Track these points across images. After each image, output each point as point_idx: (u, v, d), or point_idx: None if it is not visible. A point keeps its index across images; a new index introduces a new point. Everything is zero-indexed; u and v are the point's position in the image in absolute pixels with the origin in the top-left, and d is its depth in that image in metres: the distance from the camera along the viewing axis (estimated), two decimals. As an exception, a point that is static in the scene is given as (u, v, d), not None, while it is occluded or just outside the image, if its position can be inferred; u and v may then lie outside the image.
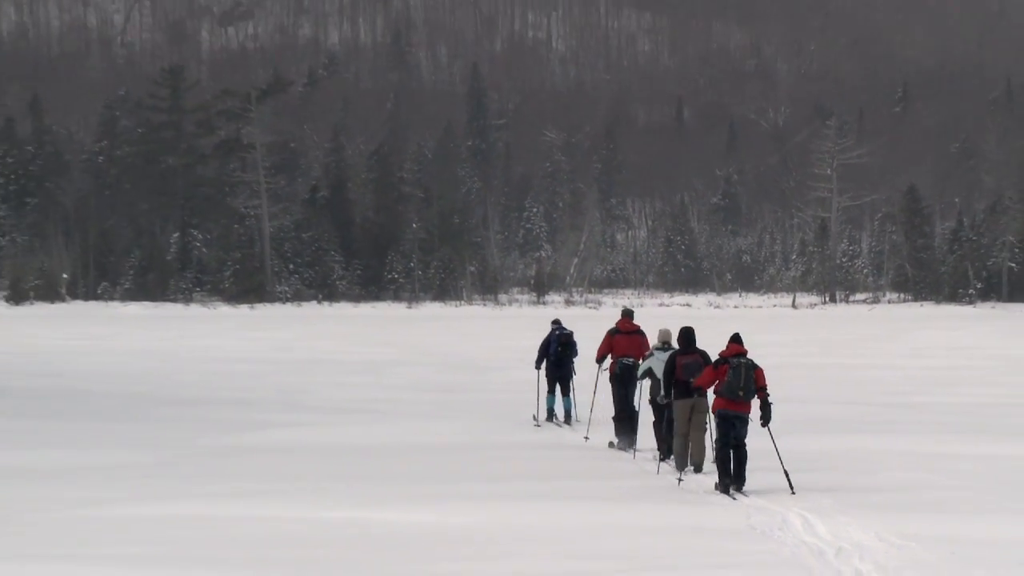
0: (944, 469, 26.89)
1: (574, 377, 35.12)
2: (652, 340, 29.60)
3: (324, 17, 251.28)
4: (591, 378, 33.57)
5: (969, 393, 45.25)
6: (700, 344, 26.71)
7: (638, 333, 31.45)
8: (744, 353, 24.72)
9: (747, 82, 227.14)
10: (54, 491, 23.71)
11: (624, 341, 31.32)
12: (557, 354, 34.94)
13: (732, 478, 24.40)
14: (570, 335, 35.19)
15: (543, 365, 35.37)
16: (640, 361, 29.75)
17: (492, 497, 23.07)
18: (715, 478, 25.00)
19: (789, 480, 24.33)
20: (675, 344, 27.98)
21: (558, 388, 35.26)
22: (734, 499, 23.96)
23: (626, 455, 29.97)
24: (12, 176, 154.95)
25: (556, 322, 36.23)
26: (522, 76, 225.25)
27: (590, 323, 35.93)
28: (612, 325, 32.00)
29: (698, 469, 26.34)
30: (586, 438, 31.87)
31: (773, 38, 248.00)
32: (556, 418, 35.26)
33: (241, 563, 17.51)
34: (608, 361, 31.41)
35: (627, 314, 32.33)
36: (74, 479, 25.35)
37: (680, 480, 25.57)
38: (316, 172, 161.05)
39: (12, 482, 24.81)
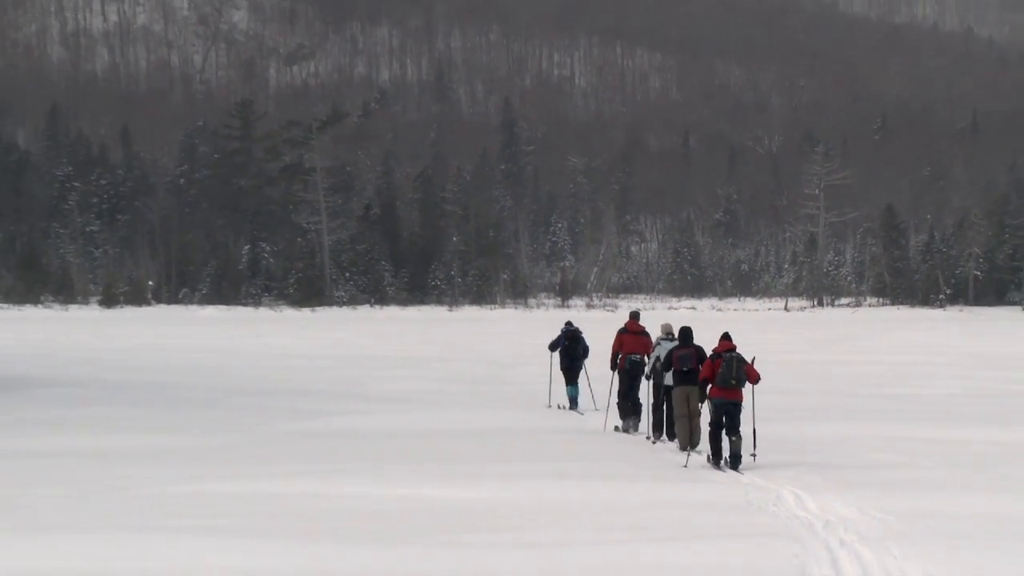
0: (918, 452, 26.88)
1: (583, 370, 35.56)
2: (656, 333, 29.91)
3: (376, 57, 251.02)
4: (602, 372, 33.76)
5: (940, 385, 45.18)
6: (705, 340, 27.01)
7: (644, 333, 31.64)
8: (733, 348, 25.25)
9: (745, 113, 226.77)
10: (144, 470, 23.81)
11: (632, 340, 31.55)
12: (565, 347, 35.73)
13: (727, 458, 24.85)
14: (576, 331, 36.04)
15: (556, 358, 36.22)
16: (646, 357, 30.11)
17: (516, 476, 23.16)
18: (708, 454, 25.61)
19: (754, 444, 25.19)
20: (670, 337, 28.69)
21: (576, 379, 35.69)
22: (724, 472, 24.54)
23: (631, 438, 30.27)
24: (105, 196, 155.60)
25: (568, 322, 37.00)
26: (548, 108, 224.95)
27: (607, 325, 35.95)
28: (621, 327, 32.04)
29: (694, 447, 26.55)
30: (616, 428, 31.59)
31: (767, 75, 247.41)
32: (571, 405, 35.63)
33: (306, 533, 17.61)
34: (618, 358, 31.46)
35: (634, 316, 32.59)
36: (161, 460, 25.43)
37: (688, 458, 25.81)
38: (369, 192, 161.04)
39: (108, 462, 24.91)
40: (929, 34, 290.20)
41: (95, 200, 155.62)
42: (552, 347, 36.72)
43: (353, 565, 15.64)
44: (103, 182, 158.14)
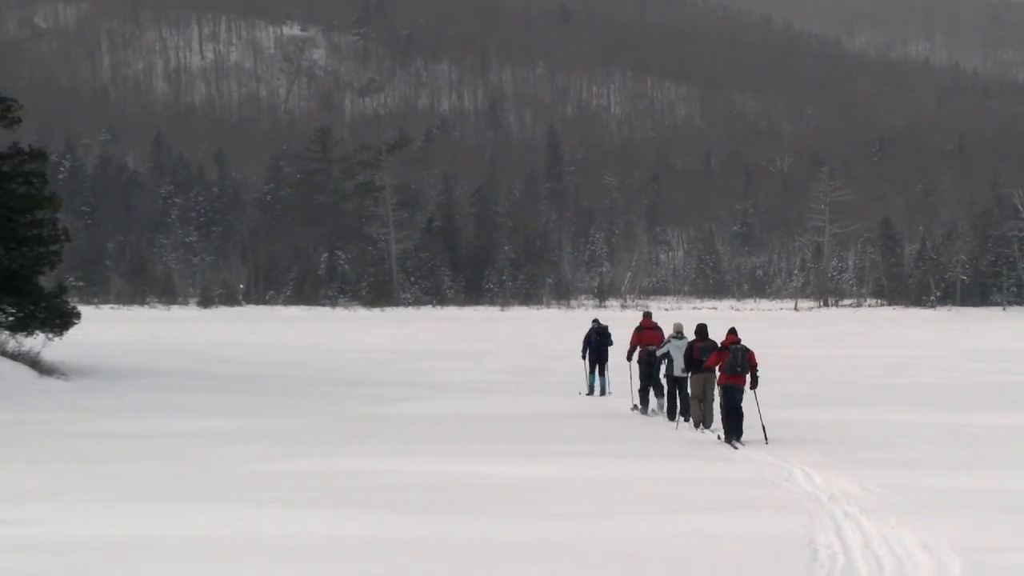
0: (912, 434, 26.76)
1: (608, 361, 35.80)
2: (668, 331, 30.71)
3: (437, 90, 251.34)
4: (619, 363, 34.38)
5: (931, 376, 45.03)
6: (736, 334, 27.10)
7: (656, 328, 32.34)
8: (738, 341, 26.13)
9: (759, 138, 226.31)
10: (234, 449, 23.83)
11: (647, 335, 32.15)
12: (596, 342, 35.86)
13: (733, 432, 25.73)
14: (605, 328, 36.25)
15: (587, 352, 36.16)
16: (658, 351, 30.69)
17: (559, 455, 23.15)
18: (719, 434, 26.40)
19: (765, 433, 25.64)
20: (687, 334, 29.29)
21: (597, 369, 36.08)
22: (735, 448, 25.15)
23: (657, 421, 30.31)
24: (202, 211, 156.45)
25: (595, 320, 37.22)
26: (587, 134, 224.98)
27: (636, 322, 36.30)
28: (637, 324, 32.68)
29: (707, 426, 27.56)
30: (634, 407, 32.33)
31: (779, 105, 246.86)
32: (595, 392, 35.95)
33: (374, 505, 17.59)
34: (637, 351, 32.07)
35: (647, 315, 33.44)
36: (249, 441, 25.45)
37: (702, 431, 27.33)
38: (431, 207, 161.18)
39: (202, 442, 24.93)
40: (921, 68, 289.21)
41: (193, 214, 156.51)
42: (584, 351, 36.48)
43: (414, 532, 15.62)
44: (200, 198, 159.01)
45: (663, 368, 30.64)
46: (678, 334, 29.86)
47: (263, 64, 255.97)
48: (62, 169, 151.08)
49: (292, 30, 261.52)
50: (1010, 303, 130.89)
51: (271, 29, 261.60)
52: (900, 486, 19.43)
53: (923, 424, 28.95)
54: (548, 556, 14.38)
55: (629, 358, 32.58)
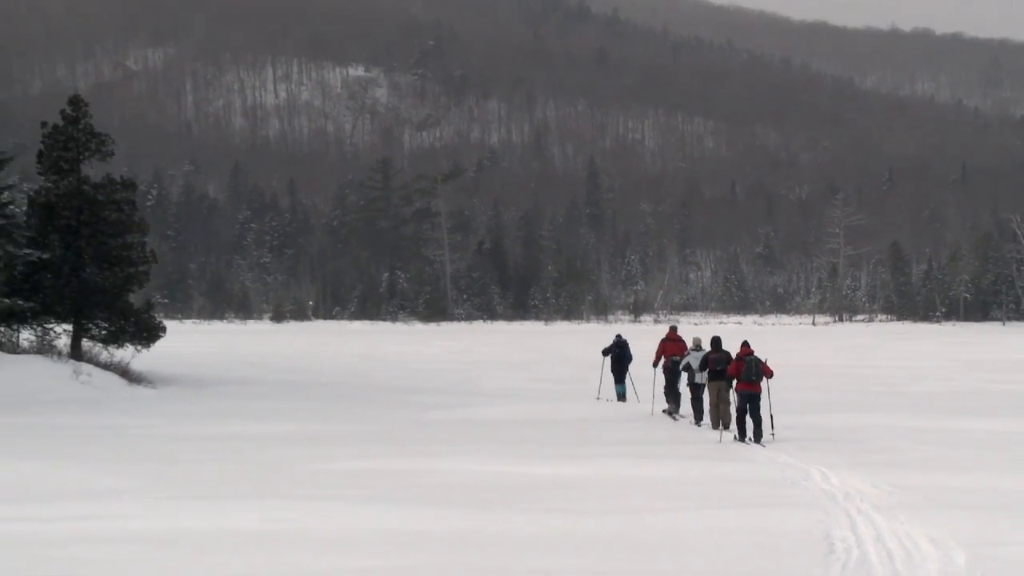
0: (919, 438, 26.63)
1: (629, 371, 36.28)
2: (689, 343, 31.73)
3: (488, 124, 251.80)
4: (645, 371, 34.93)
5: (935, 385, 44.82)
6: (749, 346, 27.33)
7: (680, 340, 33.07)
8: (751, 353, 26.83)
9: (780, 168, 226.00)
10: (303, 451, 23.88)
11: (671, 346, 32.85)
12: (616, 354, 36.39)
13: (750, 433, 26.40)
14: (625, 343, 36.63)
15: (608, 361, 36.89)
16: (681, 358, 31.51)
17: (596, 456, 23.15)
18: (735, 434, 26.96)
19: (772, 423, 26.87)
20: (704, 345, 30.10)
21: (623, 379, 36.57)
22: (748, 445, 25.91)
23: (682, 425, 30.54)
24: (275, 235, 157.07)
25: (617, 335, 37.47)
26: (624, 164, 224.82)
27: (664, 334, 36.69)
28: (664, 336, 33.57)
29: (725, 427, 28.14)
30: (657, 411, 32.87)
31: (797, 138, 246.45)
32: (619, 399, 36.35)
33: (434, 501, 17.60)
34: (662, 360, 32.90)
35: (673, 328, 34.13)
36: (317, 443, 25.50)
37: (720, 435, 27.49)
38: (482, 231, 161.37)
39: (275, 444, 25.01)
40: (926, 105, 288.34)
41: (267, 237, 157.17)
42: (605, 353, 37.16)
43: (468, 526, 15.65)
44: (274, 223, 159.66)
45: (684, 377, 31.38)
46: (697, 347, 30.85)
47: (330, 102, 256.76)
48: (150, 197, 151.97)
49: (357, 71, 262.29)
50: (1009, 319, 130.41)
51: (338, 70, 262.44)
52: (909, 485, 19.41)
53: (929, 428, 28.85)
54: (586, 549, 14.41)
55: (655, 365, 33.32)
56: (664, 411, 32.87)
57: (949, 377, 49.57)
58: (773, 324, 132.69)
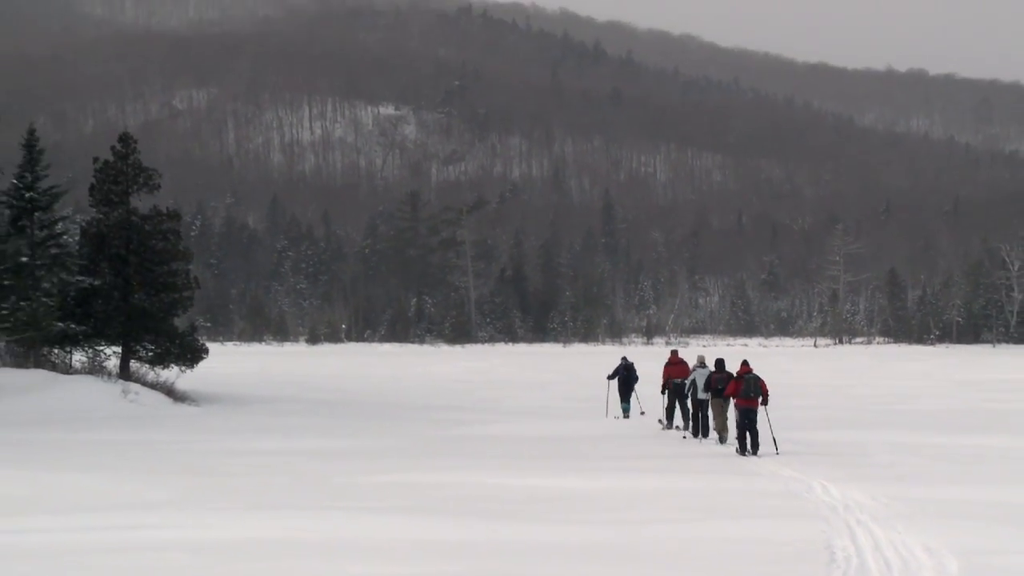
0: (914, 453, 26.61)
1: (635, 390, 37.03)
2: (692, 362, 32.55)
3: (509, 159, 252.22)
4: (653, 392, 36.44)
5: (930, 403, 44.65)
6: (748, 365, 27.66)
7: (682, 363, 33.98)
8: (750, 371, 27.53)
9: (783, 200, 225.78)
10: (335, 465, 23.92)
11: (675, 369, 33.73)
12: (623, 375, 37.30)
13: (748, 446, 26.91)
14: (631, 364, 37.86)
15: (616, 381, 37.61)
16: (686, 380, 32.11)
17: (607, 470, 23.22)
18: (736, 447, 27.23)
19: (775, 443, 27.04)
20: (708, 363, 31.03)
21: (629, 397, 37.16)
22: (746, 457, 26.45)
23: (685, 440, 30.60)
24: (311, 262, 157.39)
25: (624, 358, 39.07)
26: (637, 196, 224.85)
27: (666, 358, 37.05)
28: (667, 360, 34.42)
29: (724, 441, 29.19)
30: (660, 421, 33.95)
31: (800, 171, 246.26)
32: (624, 415, 36.68)
33: (457, 512, 17.65)
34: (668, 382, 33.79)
35: (674, 352, 35.13)
36: (350, 457, 25.56)
37: (726, 446, 28.54)
38: (504, 259, 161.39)
39: (312, 459, 25.06)
40: (921, 141, 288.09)
41: (303, 265, 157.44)
42: (610, 377, 38.13)
43: (489, 535, 15.71)
44: (309, 252, 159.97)
45: (690, 395, 31.82)
46: (701, 364, 31.56)
47: (362, 138, 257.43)
48: (193, 228, 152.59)
49: (387, 109, 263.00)
50: (999, 341, 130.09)
51: (369, 109, 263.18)
52: (905, 497, 19.43)
53: (924, 444, 28.75)
54: (599, 557, 14.44)
55: (663, 391, 33.83)
56: (659, 421, 34.19)
57: (943, 396, 49.40)
58: (777, 346, 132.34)
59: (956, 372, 72.93)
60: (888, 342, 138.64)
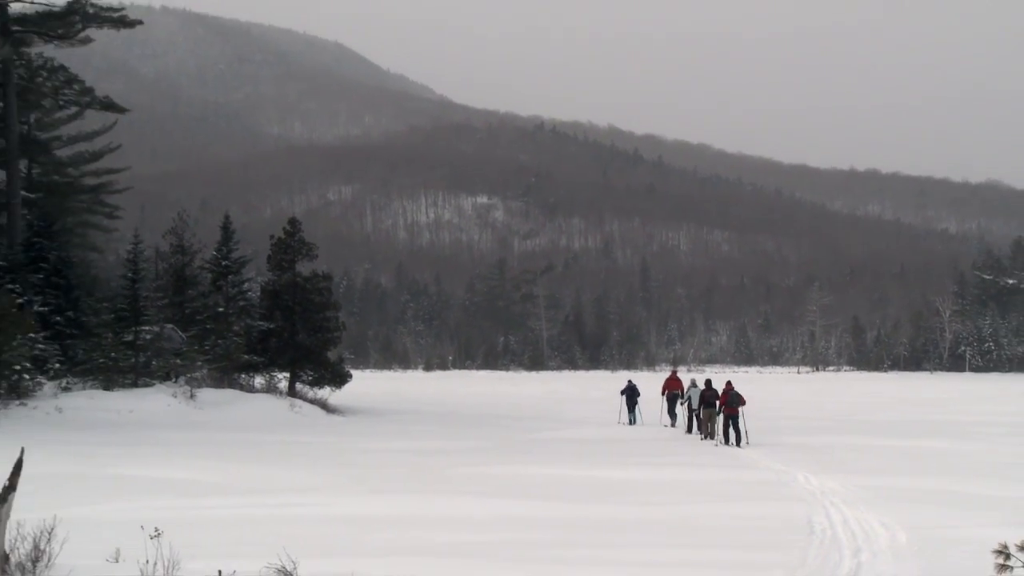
0: (874, 452, 26.29)
1: (638, 403, 37.83)
2: (687, 382, 35.91)
3: (571, 235, 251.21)
4: (655, 402, 38.32)
5: (884, 414, 43.95)
6: (750, 390, 27.82)
7: (678, 380, 36.92)
8: (733, 389, 29.24)
9: (774, 265, 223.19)
10: (444, 460, 23.97)
11: (672, 383, 36.61)
12: (630, 393, 38.06)
13: (731, 441, 28.52)
14: (635, 386, 38.89)
15: (624, 396, 38.32)
16: (680, 392, 35.62)
17: (641, 465, 23.04)
18: (719, 440, 27.45)
19: (747, 437, 29.02)
20: (699, 384, 33.29)
21: (633, 409, 37.75)
22: (729, 447, 28.09)
23: (694, 441, 30.43)
24: (426, 311, 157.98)
25: (629, 380, 40.31)
26: (666, 262, 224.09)
27: (668, 374, 36.86)
28: (668, 376, 37.68)
29: (711, 438, 30.07)
30: (665, 426, 34.95)
31: (786, 244, 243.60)
32: (632, 423, 36.92)
33: (535, 495, 17.66)
34: (666, 392, 36.43)
35: (673, 371, 38.49)
36: (456, 454, 25.58)
37: (716, 445, 29.00)
38: (567, 308, 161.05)
39: (428, 455, 25.13)
40: (876, 221, 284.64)
41: (420, 313, 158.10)
42: (622, 393, 38.94)
43: (562, 514, 15.69)
44: (425, 303, 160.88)
45: (686, 405, 34.07)
46: (693, 384, 34.12)
47: (464, 220, 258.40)
48: (341, 286, 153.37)
49: (482, 199, 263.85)
50: (935, 369, 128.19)
51: (469, 199, 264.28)
52: (866, 485, 19.25)
53: (880, 445, 28.36)
54: (638, 528, 14.42)
55: (662, 395, 36.75)
56: (664, 425, 35.48)
57: (894, 409, 48.66)
58: (770, 373, 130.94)
59: (903, 392, 71.84)
60: (852, 370, 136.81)
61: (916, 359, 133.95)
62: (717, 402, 30.11)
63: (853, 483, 19.64)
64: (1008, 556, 7.11)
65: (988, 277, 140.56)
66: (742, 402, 28.96)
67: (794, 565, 12.00)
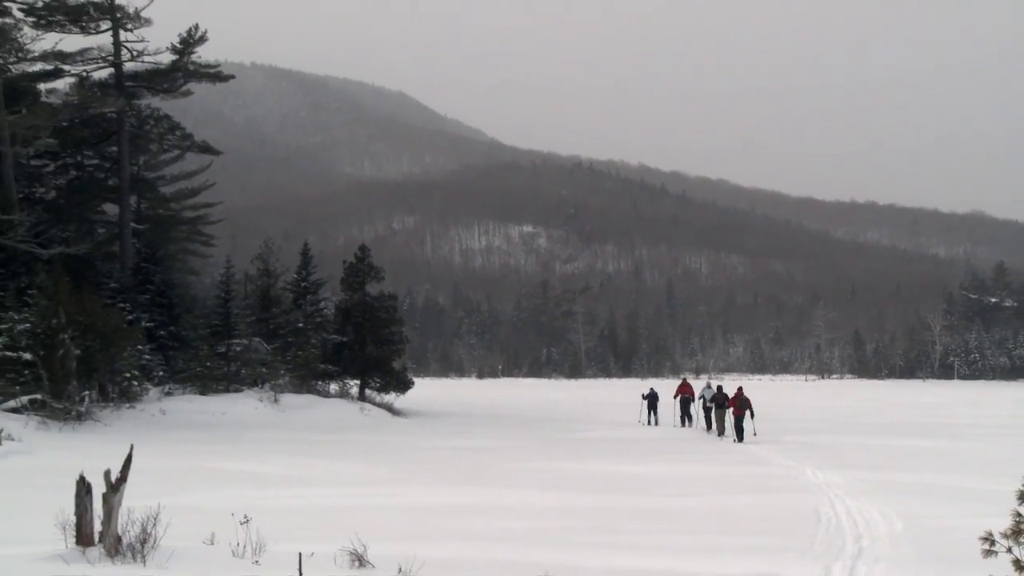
0: (873, 450, 25.98)
1: (658, 406, 37.75)
2: (699, 386, 36.41)
3: (606, 259, 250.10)
4: (671, 406, 37.83)
5: (882, 417, 43.42)
6: (758, 394, 27.62)
7: (689, 385, 36.77)
8: (742, 395, 29.74)
9: (784, 285, 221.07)
10: (497, 456, 24.01)
11: (684, 388, 36.37)
12: (651, 398, 37.87)
13: (739, 437, 28.85)
14: (655, 392, 38.69)
15: (645, 400, 38.21)
16: (691, 397, 35.61)
17: (663, 461, 22.95)
18: (733, 438, 26.38)
19: (754, 429, 30.11)
20: (712, 388, 34.07)
21: (653, 411, 37.70)
22: (740, 444, 28.12)
23: (709, 439, 30.07)
24: (479, 326, 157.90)
25: (651, 388, 40.38)
26: (689, 284, 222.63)
27: (680, 381, 36.65)
28: (680, 382, 37.41)
29: (722, 434, 30.61)
30: (675, 427, 34.59)
31: (795, 267, 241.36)
32: (652, 424, 36.71)
33: (573, 488, 17.63)
34: (678, 397, 36.01)
35: (684, 379, 38.09)
36: (505, 451, 25.60)
37: (726, 439, 29.54)
38: (603, 324, 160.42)
39: (482, 452, 25.17)
40: (875, 247, 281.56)
41: (475, 328, 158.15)
42: (643, 397, 38.74)
43: (597, 504, 15.65)
44: (478, 319, 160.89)
45: (699, 404, 34.43)
46: (708, 386, 34.90)
47: (511, 246, 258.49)
48: (405, 304, 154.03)
49: (527, 228, 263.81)
50: (928, 377, 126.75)
51: (516, 228, 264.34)
52: (868, 480, 19.04)
53: (879, 444, 28.00)
54: (664, 517, 14.38)
55: (674, 398, 36.37)
56: (675, 426, 35.18)
57: (891, 413, 48.09)
58: (780, 380, 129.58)
59: (899, 398, 70.95)
60: (854, 378, 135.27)
61: (910, 368, 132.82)
62: (726, 403, 31.00)
63: (855, 477, 19.42)
64: (993, 543, 7.06)
65: (974, 296, 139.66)
66: (749, 406, 29.49)
67: (803, 549, 11.94)
